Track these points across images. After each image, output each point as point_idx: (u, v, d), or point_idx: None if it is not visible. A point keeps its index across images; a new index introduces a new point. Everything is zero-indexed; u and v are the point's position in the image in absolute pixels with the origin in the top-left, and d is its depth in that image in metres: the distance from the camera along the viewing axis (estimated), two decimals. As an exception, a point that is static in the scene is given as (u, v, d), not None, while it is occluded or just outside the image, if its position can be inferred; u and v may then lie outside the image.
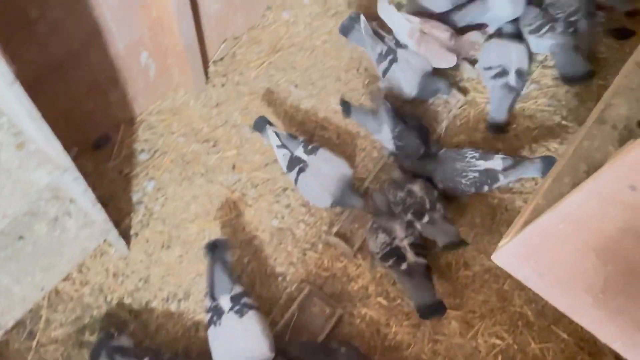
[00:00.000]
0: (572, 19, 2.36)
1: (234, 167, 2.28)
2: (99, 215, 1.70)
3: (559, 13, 2.37)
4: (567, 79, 2.40)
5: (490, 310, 2.09)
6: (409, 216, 2.08)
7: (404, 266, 1.99)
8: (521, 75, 2.38)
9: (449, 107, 2.47)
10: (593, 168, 1.48)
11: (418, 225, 2.08)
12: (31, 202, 1.36)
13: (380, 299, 2.11)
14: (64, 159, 1.38)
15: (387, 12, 2.38)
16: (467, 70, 2.55)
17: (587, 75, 2.37)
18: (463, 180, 2.16)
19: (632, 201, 0.98)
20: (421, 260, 2.00)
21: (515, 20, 2.44)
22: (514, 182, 2.26)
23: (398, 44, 2.35)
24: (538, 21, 2.37)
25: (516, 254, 1.40)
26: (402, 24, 2.36)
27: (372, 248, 2.07)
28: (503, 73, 2.36)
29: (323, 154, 2.15)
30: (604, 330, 1.29)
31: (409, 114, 2.34)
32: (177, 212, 2.17)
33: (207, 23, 2.25)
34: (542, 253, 1.33)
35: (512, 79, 2.36)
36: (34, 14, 1.56)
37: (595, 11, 2.45)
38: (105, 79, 1.98)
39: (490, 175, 2.15)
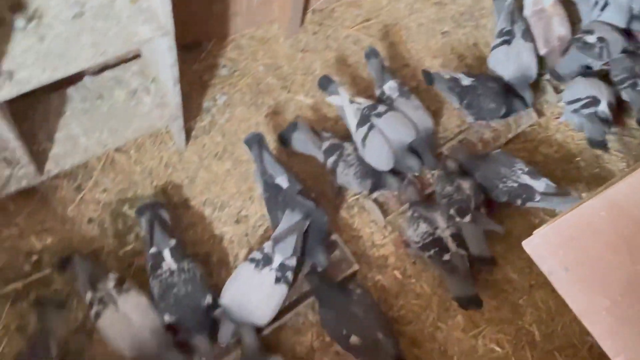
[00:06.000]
0: None
1: (300, 108, 2.38)
2: (175, 97, 1.82)
3: None
4: None
5: (499, 318, 2.09)
6: (452, 211, 2.10)
7: (446, 257, 2.01)
8: (611, 107, 2.37)
9: (518, 122, 2.48)
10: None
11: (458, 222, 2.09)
12: (129, 48, 1.49)
13: (396, 272, 2.15)
14: (169, 24, 1.51)
15: None
16: (549, 94, 2.57)
17: None
18: (500, 185, 2.17)
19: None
20: (462, 251, 2.02)
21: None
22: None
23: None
24: (624, 74, 2.41)
25: (548, 243, 1.42)
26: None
27: (411, 237, 2.09)
28: (594, 102, 2.35)
29: (412, 101, 2.21)
30: (611, 341, 1.29)
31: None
32: (237, 131, 2.28)
33: (320, -28, 2.36)
34: (574, 244, 1.35)
35: (603, 108, 2.34)
36: None
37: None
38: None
39: (527, 191, 2.15)
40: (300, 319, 2.01)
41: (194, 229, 2.10)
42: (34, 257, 1.90)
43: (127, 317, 1.72)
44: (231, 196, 2.18)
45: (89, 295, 1.75)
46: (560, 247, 1.39)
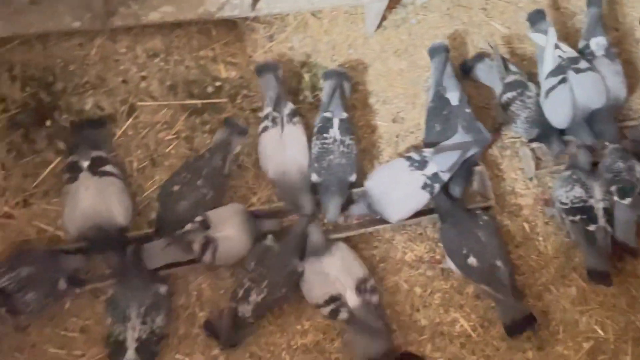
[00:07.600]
0: None
1: (492, 35, 2.32)
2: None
3: None
4: None
5: (612, 305, 2.03)
6: (613, 188, 2.01)
7: (591, 227, 1.95)
8: None
9: None
10: None
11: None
12: None
13: (525, 225, 2.13)
14: None
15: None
16: None
17: None
18: None
19: None
20: (609, 228, 1.95)
21: None
22: None
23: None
24: None
25: None
26: None
27: (560, 197, 2.02)
28: None
29: (615, 65, 2.11)
30: None
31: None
32: (424, 35, 2.29)
33: None
34: None
35: None
36: None
37: None
38: None
39: None
40: (419, 229, 2.08)
41: (352, 113, 2.18)
42: (218, 83, 2.09)
43: (296, 144, 1.90)
44: (396, 95, 2.22)
45: (268, 109, 1.92)
46: None
